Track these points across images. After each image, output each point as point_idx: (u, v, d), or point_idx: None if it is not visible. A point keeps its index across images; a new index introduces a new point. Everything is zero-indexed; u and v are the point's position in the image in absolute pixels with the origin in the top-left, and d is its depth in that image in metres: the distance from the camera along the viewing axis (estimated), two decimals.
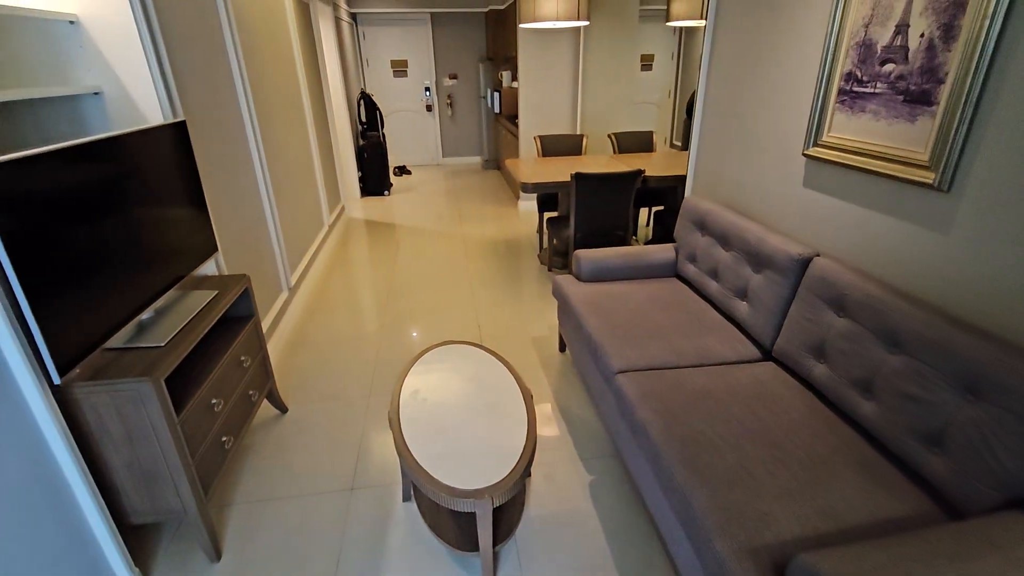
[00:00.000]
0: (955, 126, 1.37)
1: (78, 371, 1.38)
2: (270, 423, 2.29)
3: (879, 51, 1.60)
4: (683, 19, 3.69)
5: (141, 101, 1.83)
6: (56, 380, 1.25)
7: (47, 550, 1.26)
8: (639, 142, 4.49)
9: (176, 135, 1.80)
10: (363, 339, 2.98)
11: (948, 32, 1.38)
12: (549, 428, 2.23)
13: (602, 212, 3.20)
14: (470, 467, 1.50)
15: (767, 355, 1.96)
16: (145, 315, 1.69)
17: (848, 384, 1.55)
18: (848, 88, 1.73)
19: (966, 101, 1.34)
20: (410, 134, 7.67)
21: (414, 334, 3.02)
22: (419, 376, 1.91)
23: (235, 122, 2.56)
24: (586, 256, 2.59)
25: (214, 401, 1.72)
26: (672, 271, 2.64)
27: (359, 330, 3.08)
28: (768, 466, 1.40)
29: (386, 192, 6.21)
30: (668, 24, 4.29)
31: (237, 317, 2.06)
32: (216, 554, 1.67)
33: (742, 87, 2.33)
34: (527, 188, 3.37)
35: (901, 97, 1.54)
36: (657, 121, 6.87)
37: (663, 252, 2.64)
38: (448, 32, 7.15)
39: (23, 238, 1.16)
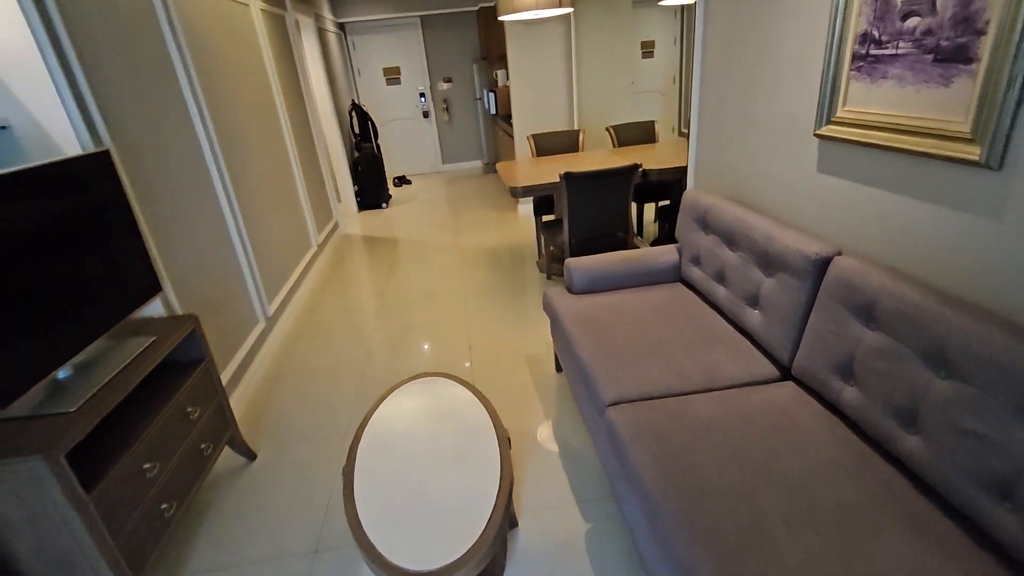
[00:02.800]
0: (1004, 87, 1.08)
1: None
2: (235, 473, 2.09)
3: (899, 3, 1.31)
4: None
5: (55, 132, 1.64)
6: None
7: None
8: (641, 133, 4.20)
9: (96, 166, 1.61)
10: (346, 367, 2.77)
11: None
12: (543, 463, 1.98)
13: (598, 213, 2.93)
14: (431, 536, 1.26)
15: (786, 373, 1.67)
16: (62, 372, 1.50)
17: (886, 412, 1.26)
18: (864, 52, 1.43)
19: (1017, 54, 1.04)
20: (408, 143, 7.50)
21: (398, 359, 2.80)
22: (384, 419, 1.68)
23: (189, 146, 2.37)
24: (578, 265, 2.32)
25: (147, 466, 1.52)
26: (676, 275, 2.35)
27: (343, 357, 2.88)
28: (790, 523, 1.12)
29: (384, 204, 6.03)
30: (661, 4, 3.99)
31: (185, 362, 1.86)
32: None
33: (741, 63, 2.04)
34: (516, 192, 3.12)
35: (931, 56, 1.24)
36: (663, 109, 6.54)
37: (665, 255, 2.36)
38: (439, 34, 6.95)
39: None
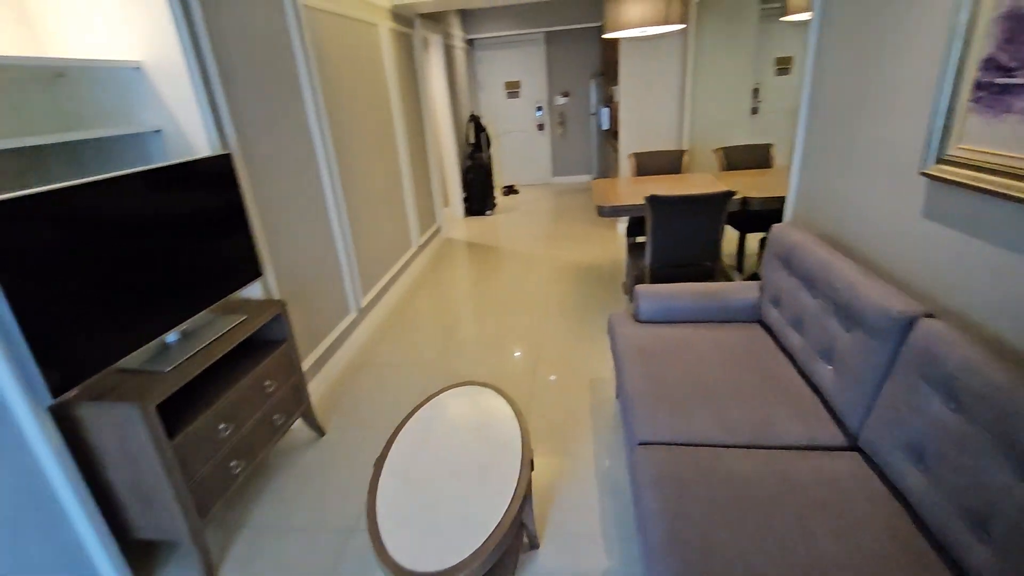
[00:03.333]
0: None
1: (75, 392, 1.48)
2: (305, 445, 2.31)
3: None
4: (803, 12, 3.11)
5: (193, 137, 1.97)
6: (48, 400, 1.33)
7: (37, 563, 1.34)
8: (753, 157, 3.90)
9: (219, 166, 1.91)
10: (421, 365, 2.94)
11: None
12: (580, 489, 1.93)
13: (683, 240, 2.78)
14: (433, 539, 1.30)
15: (853, 442, 1.46)
16: (171, 336, 1.79)
17: (955, 511, 1.05)
18: (987, 81, 1.22)
19: None
20: (521, 154, 7.70)
21: (466, 362, 2.90)
22: (423, 420, 1.76)
23: (305, 152, 2.69)
24: (646, 292, 2.24)
25: (222, 426, 1.75)
26: (755, 315, 2.16)
27: (418, 355, 3.05)
28: None
29: (488, 212, 6.26)
30: (783, 20, 3.67)
31: (270, 341, 2.12)
32: None
33: (850, 86, 1.83)
34: (603, 211, 3.08)
35: None
36: (787, 131, 5.99)
37: (745, 291, 2.18)
38: (562, 49, 7.06)
39: (23, 266, 1.26)
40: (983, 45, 1.22)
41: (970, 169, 1.26)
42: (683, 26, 3.04)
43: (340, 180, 3.04)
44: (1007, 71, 1.16)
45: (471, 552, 1.25)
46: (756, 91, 5.79)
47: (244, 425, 1.87)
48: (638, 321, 2.24)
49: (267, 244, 2.32)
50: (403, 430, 1.73)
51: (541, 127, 7.49)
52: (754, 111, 5.94)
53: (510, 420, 1.73)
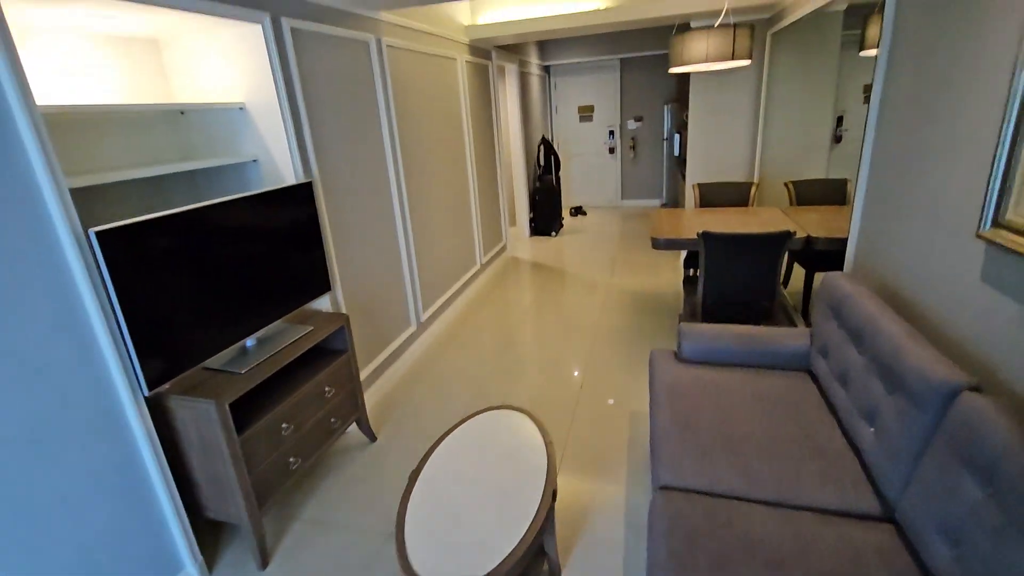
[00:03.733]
0: None
1: (168, 386, 1.73)
2: (357, 448, 2.51)
3: None
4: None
5: (283, 165, 2.24)
6: (145, 392, 1.59)
7: (124, 526, 1.59)
8: (826, 192, 3.72)
9: (300, 193, 2.16)
10: (472, 381, 3.07)
11: None
12: (607, 524, 1.96)
13: (738, 277, 2.73)
14: (451, 556, 1.41)
15: (889, 514, 1.39)
16: (249, 341, 2.04)
17: None
18: None
19: None
20: (591, 176, 7.76)
21: (513, 383, 3.00)
22: (458, 438, 1.88)
23: (379, 177, 2.94)
24: (690, 331, 2.23)
25: (284, 425, 1.97)
26: (805, 363, 2.09)
27: (472, 372, 3.19)
28: None
29: (554, 233, 6.37)
30: (862, 55, 3.49)
31: (332, 350, 2.33)
32: (263, 563, 1.88)
33: (912, 134, 1.76)
34: (657, 243, 3.08)
35: None
36: None
37: (795, 338, 2.12)
38: (636, 75, 7.07)
39: (134, 279, 1.52)
40: None
41: None
42: (747, 63, 3.00)
43: (408, 202, 3.27)
44: None
45: (486, 573, 1.34)
46: (840, 119, 5.51)
47: (304, 426, 2.08)
48: (680, 360, 2.24)
49: (338, 261, 2.56)
50: (440, 446, 1.85)
51: (612, 150, 7.52)
52: (838, 139, 5.64)
53: (539, 449, 1.80)
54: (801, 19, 3.57)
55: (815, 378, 2.01)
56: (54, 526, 1.41)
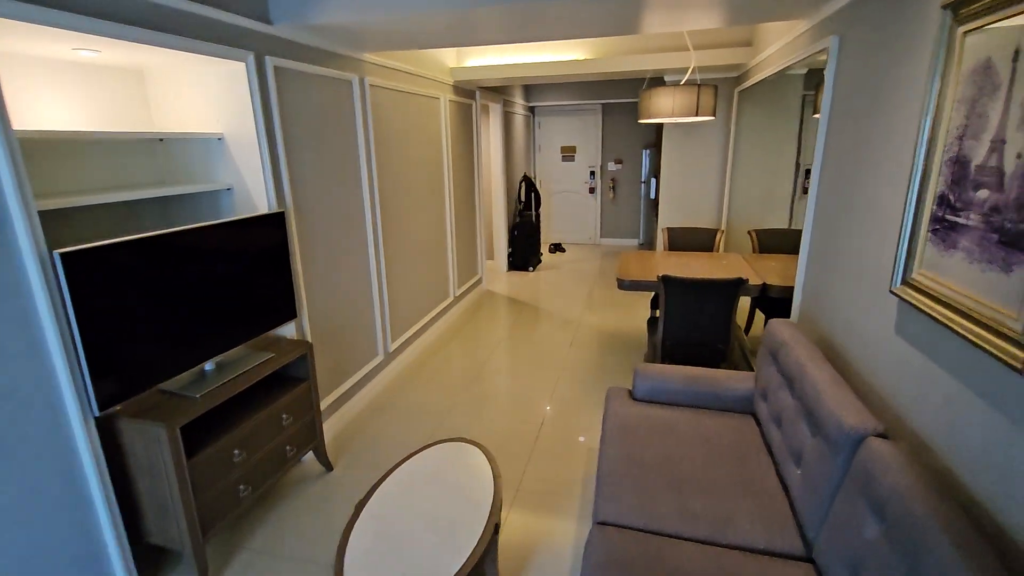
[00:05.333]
0: None
1: (119, 408, 1.75)
2: (311, 479, 2.50)
3: (973, 171, 1.17)
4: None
5: (256, 194, 2.31)
6: (95, 412, 1.60)
7: (61, 546, 1.58)
8: (787, 241, 3.90)
9: (270, 222, 2.22)
10: (435, 413, 3.09)
11: None
12: (553, 558, 1.97)
13: (695, 321, 2.84)
14: None
15: (808, 553, 1.45)
16: (208, 365, 2.06)
17: None
18: (941, 215, 1.29)
19: None
20: (571, 214, 7.96)
21: (475, 417, 3.02)
22: (408, 471, 1.91)
23: (354, 208, 3.02)
24: (644, 372, 2.31)
25: (236, 452, 1.97)
26: (750, 406, 2.17)
27: (436, 404, 3.21)
28: None
29: (531, 268, 6.49)
30: (815, 117, 3.75)
31: (293, 378, 2.36)
32: None
33: (844, 196, 1.90)
34: (622, 284, 3.19)
35: (996, 236, 1.09)
36: None
37: (741, 382, 2.20)
38: (617, 120, 7.38)
39: (95, 301, 1.56)
40: (938, 181, 1.30)
41: (926, 296, 1.31)
42: (711, 118, 3.20)
43: (383, 234, 3.35)
44: (954, 209, 1.23)
45: None
46: (808, 172, 5.79)
47: (257, 453, 2.08)
48: (634, 399, 2.31)
49: (306, 289, 2.61)
50: (389, 477, 1.88)
51: (592, 190, 7.75)
52: (805, 191, 5.91)
53: (487, 482, 1.83)
54: (766, 79, 3.81)
55: (758, 420, 2.09)
56: None
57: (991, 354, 1.04)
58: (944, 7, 1.25)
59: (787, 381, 1.81)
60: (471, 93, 4.89)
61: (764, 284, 2.96)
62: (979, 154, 1.15)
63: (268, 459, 2.15)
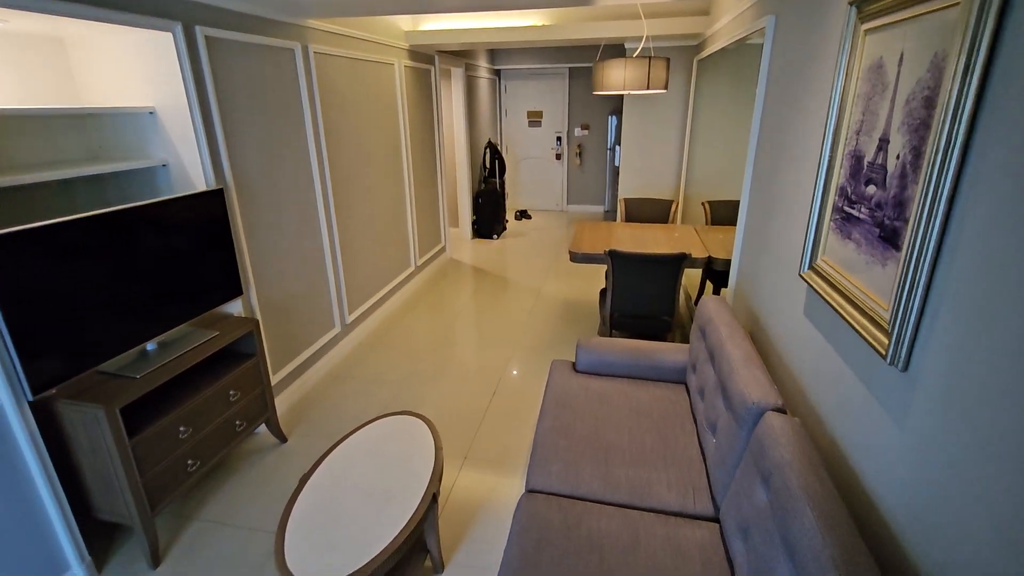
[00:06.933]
0: (909, 286, 1.00)
1: (55, 391, 1.75)
2: (265, 450, 2.56)
3: (865, 166, 1.24)
4: None
5: (193, 170, 2.26)
6: (29, 397, 1.61)
7: (4, 528, 1.61)
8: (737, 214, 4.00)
9: (211, 199, 2.19)
10: (390, 384, 3.16)
11: (917, 158, 1.02)
12: (495, 525, 2.10)
13: (641, 294, 2.93)
14: (329, 555, 1.50)
15: (717, 515, 1.59)
16: (150, 345, 2.06)
17: None
18: (841, 206, 1.36)
19: (919, 256, 0.97)
20: (538, 180, 7.93)
21: (431, 386, 3.11)
22: (354, 443, 1.97)
23: (302, 180, 2.97)
24: (586, 345, 2.40)
25: (182, 429, 2.01)
26: (683, 377, 2.30)
27: (392, 374, 3.27)
28: None
29: (495, 236, 6.50)
30: None
31: (241, 354, 2.37)
32: (154, 562, 1.92)
33: (772, 177, 1.97)
34: (574, 257, 3.25)
35: (878, 230, 1.17)
36: None
37: (677, 354, 2.32)
38: (583, 85, 7.28)
39: (20, 284, 1.54)
40: (840, 173, 1.37)
41: (824, 281, 1.40)
42: (663, 91, 3.21)
43: (335, 206, 3.32)
44: (851, 202, 1.30)
45: (350, 573, 1.45)
46: None
47: (204, 429, 2.12)
48: (576, 371, 2.41)
49: (253, 265, 2.59)
50: (335, 450, 1.94)
51: (559, 156, 7.71)
52: None
53: (429, 454, 1.92)
54: (726, 49, 3.81)
55: (688, 391, 2.21)
56: None
57: (866, 340, 1.14)
58: (851, 3, 1.29)
59: (710, 355, 1.92)
60: (429, 58, 4.76)
61: (709, 257, 3.07)
62: (870, 151, 1.21)
63: (216, 434, 2.19)
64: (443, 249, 5.53)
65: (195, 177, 2.27)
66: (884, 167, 1.15)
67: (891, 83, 1.12)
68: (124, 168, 2.06)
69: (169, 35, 2.04)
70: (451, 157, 6.28)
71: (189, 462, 2.06)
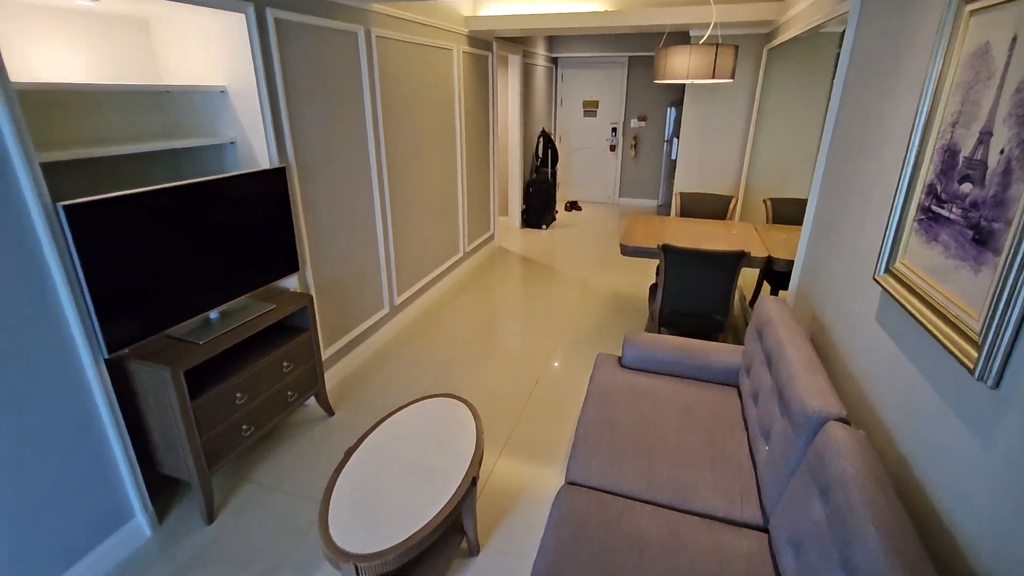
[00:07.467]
0: (1007, 295, 0.90)
1: (128, 351, 1.87)
2: (313, 422, 2.65)
3: (960, 162, 1.13)
4: None
5: (258, 148, 2.34)
6: (105, 355, 1.72)
7: (79, 476, 1.74)
8: (802, 212, 3.78)
9: (271, 177, 2.27)
10: (434, 367, 3.21)
11: None
12: (534, 513, 2.09)
13: (694, 292, 2.83)
14: (369, 528, 1.54)
15: (766, 524, 1.52)
16: (213, 314, 2.17)
17: None
18: (927, 205, 1.25)
19: (1022, 262, 0.87)
20: (590, 171, 7.81)
21: (474, 371, 3.13)
22: (397, 422, 2.01)
23: (359, 162, 3.04)
24: (633, 340, 2.35)
25: (238, 395, 2.11)
26: (735, 379, 2.20)
27: (436, 358, 3.32)
28: None
29: (544, 226, 6.45)
30: None
31: (295, 328, 2.46)
32: (209, 518, 2.04)
33: (848, 172, 1.84)
34: (625, 250, 3.18)
35: (972, 233, 1.06)
36: None
37: (729, 355, 2.23)
38: (643, 74, 7.08)
39: (101, 250, 1.64)
40: (928, 170, 1.26)
41: (902, 285, 1.29)
42: (729, 80, 3.06)
43: (389, 188, 3.37)
44: (939, 201, 1.19)
45: (390, 546, 1.48)
46: None
47: (258, 397, 2.22)
48: (622, 366, 2.35)
49: (309, 242, 2.68)
50: (380, 427, 1.98)
51: (613, 148, 7.55)
52: None
53: (471, 437, 1.93)
54: (798, 37, 3.60)
55: (740, 394, 2.12)
56: (12, 470, 1.55)
57: (950, 351, 1.05)
58: None
59: (767, 359, 1.83)
60: (487, 44, 4.74)
61: (769, 257, 2.92)
62: (968, 145, 1.10)
63: (269, 403, 2.29)
64: (491, 237, 5.54)
65: (260, 155, 2.36)
66: (984, 162, 1.04)
67: (998, 70, 1.01)
68: (197, 144, 2.17)
69: (242, 16, 2.11)
70: (504, 145, 6.27)
71: (244, 427, 2.16)
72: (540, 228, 6.45)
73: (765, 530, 1.50)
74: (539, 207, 6.38)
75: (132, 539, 1.92)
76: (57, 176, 1.91)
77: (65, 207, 1.52)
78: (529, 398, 2.88)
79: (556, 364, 3.24)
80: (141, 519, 1.94)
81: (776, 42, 3.85)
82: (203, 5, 1.95)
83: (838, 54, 4.31)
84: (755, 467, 1.71)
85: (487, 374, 3.13)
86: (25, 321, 1.54)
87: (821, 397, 1.39)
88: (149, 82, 2.27)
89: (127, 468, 1.87)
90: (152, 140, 2.07)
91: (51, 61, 1.91)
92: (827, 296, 1.92)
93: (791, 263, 2.87)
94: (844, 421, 1.33)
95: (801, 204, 3.81)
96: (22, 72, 1.84)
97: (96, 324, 1.67)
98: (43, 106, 1.86)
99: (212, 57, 2.23)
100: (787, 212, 3.82)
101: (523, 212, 6.45)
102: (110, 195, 1.65)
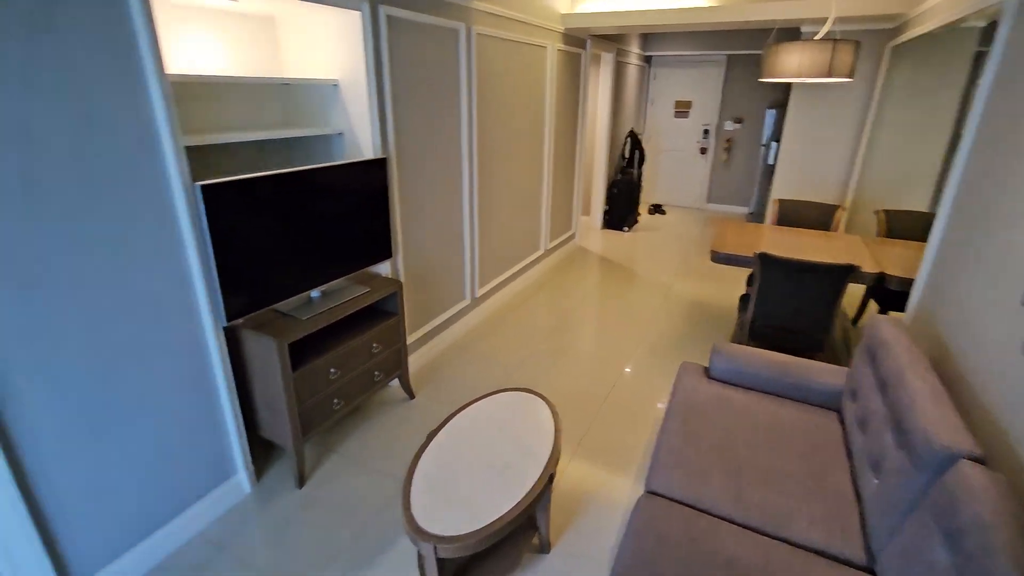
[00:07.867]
0: None
1: (242, 320, 2.04)
2: (396, 403, 2.77)
3: None
4: None
5: (363, 140, 2.47)
6: (224, 322, 1.89)
7: (194, 429, 1.93)
8: (921, 226, 3.43)
9: (374, 167, 2.38)
10: (510, 362, 3.24)
11: None
12: (606, 516, 2.06)
13: (791, 306, 2.64)
14: (448, 512, 1.58)
15: (870, 564, 1.38)
16: (315, 293, 2.32)
17: None
18: None
19: None
20: (677, 174, 7.53)
21: (548, 370, 3.12)
22: (477, 411, 2.05)
23: (452, 156, 3.12)
24: (723, 351, 2.23)
25: (332, 371, 2.24)
26: (836, 402, 2.04)
27: (514, 353, 3.35)
28: None
29: (626, 228, 6.31)
30: None
31: (385, 311, 2.58)
32: (300, 483, 2.19)
33: (995, 181, 1.64)
34: (716, 257, 3.03)
35: None
36: None
37: (831, 376, 2.06)
38: (742, 74, 6.71)
39: (228, 227, 1.81)
40: None
41: None
42: (848, 80, 2.82)
43: (478, 183, 3.44)
44: None
45: (470, 531, 1.51)
46: None
47: (349, 374, 2.34)
48: (709, 377, 2.25)
49: (402, 231, 2.79)
50: (460, 414, 2.03)
51: (704, 151, 7.24)
52: None
53: (549, 434, 1.93)
54: (928, 33, 3.26)
55: (843, 420, 1.96)
56: (140, 418, 1.75)
57: None
58: None
59: (881, 384, 1.67)
60: (581, 42, 4.70)
61: (881, 274, 2.67)
62: None
63: (359, 380, 2.41)
64: (572, 236, 5.51)
65: (364, 146, 2.48)
66: None
67: None
68: (310, 134, 2.32)
69: (358, 13, 2.23)
70: (591, 143, 6.20)
71: (335, 400, 2.29)
72: (622, 230, 6.32)
73: (870, 571, 1.37)
74: (622, 208, 6.25)
75: (233, 493, 2.10)
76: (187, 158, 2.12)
77: (202, 186, 1.69)
78: (604, 402, 2.83)
79: (633, 370, 3.16)
80: (243, 475, 2.12)
81: (903, 38, 3.51)
82: (324, 3, 2.08)
83: (977, 52, 3.88)
84: (859, 501, 1.57)
85: (562, 374, 3.11)
86: (167, 285, 1.72)
87: (950, 432, 1.24)
88: (272, 75, 2.46)
89: (234, 427, 2.05)
90: (270, 129, 2.25)
91: (192, 55, 2.11)
92: (957, 321, 1.72)
93: (906, 282, 2.61)
94: (979, 460, 1.19)
95: (922, 217, 3.46)
96: (171, 65, 2.05)
97: (219, 294, 1.84)
98: (180, 96, 2.07)
99: (328, 52, 2.38)
100: (903, 225, 3.47)
101: (605, 213, 6.35)
102: (241, 177, 1.80)
